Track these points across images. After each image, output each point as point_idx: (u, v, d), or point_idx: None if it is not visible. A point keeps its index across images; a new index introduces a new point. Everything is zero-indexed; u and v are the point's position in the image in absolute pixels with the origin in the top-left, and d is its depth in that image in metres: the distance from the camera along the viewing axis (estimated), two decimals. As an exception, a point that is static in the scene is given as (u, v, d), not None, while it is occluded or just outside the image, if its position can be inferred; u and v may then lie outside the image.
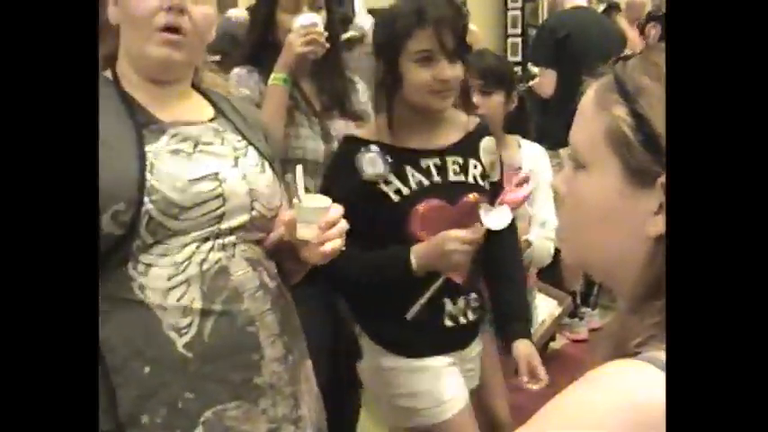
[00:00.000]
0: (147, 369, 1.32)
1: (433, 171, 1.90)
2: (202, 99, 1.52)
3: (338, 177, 1.92)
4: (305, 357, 1.53)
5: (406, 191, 1.87)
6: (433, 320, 1.92)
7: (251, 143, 1.49)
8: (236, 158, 1.44)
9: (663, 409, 0.65)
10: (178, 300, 1.32)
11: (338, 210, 1.42)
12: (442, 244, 1.76)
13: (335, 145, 2.24)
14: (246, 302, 1.37)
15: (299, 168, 1.45)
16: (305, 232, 1.37)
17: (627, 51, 4.26)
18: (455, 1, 1.99)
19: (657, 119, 0.74)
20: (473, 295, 1.99)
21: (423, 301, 1.84)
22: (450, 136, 1.97)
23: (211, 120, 1.48)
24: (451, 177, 1.91)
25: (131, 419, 1.31)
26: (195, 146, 1.40)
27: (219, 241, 1.37)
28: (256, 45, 2.33)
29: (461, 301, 1.95)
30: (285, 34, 2.22)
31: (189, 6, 1.36)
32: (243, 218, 1.40)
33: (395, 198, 1.87)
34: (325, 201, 1.43)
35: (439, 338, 1.95)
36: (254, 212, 1.42)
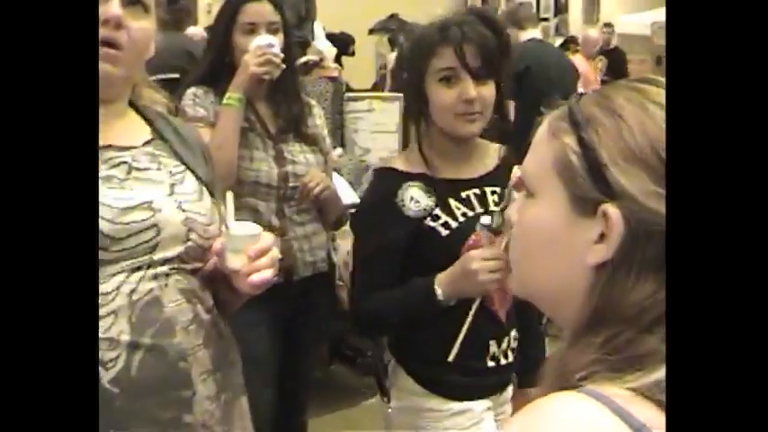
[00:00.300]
0: None
1: (474, 201, 1.80)
2: (139, 118, 1.45)
3: (379, 215, 1.80)
4: (239, 394, 1.46)
5: (454, 224, 1.76)
6: (477, 360, 1.81)
7: (188, 167, 1.42)
8: (173, 185, 1.37)
9: None
10: (104, 331, 1.23)
11: (269, 238, 1.35)
12: (466, 263, 1.65)
13: (289, 168, 2.25)
14: (179, 336, 1.29)
15: (230, 195, 1.39)
16: (233, 261, 1.31)
17: (580, 85, 4.34)
18: (492, 19, 1.86)
19: (604, 149, 0.74)
20: (513, 334, 1.87)
21: (462, 334, 1.73)
22: (483, 165, 1.86)
23: (148, 142, 1.41)
24: (492, 207, 1.80)
25: None
26: (129, 172, 1.33)
27: (152, 271, 1.29)
28: (213, 65, 2.31)
29: (504, 341, 1.84)
30: (242, 56, 2.21)
31: (127, 21, 1.30)
32: (177, 248, 1.32)
33: (444, 232, 1.76)
34: (254, 228, 1.35)
35: (482, 379, 1.84)
36: (189, 243, 1.34)
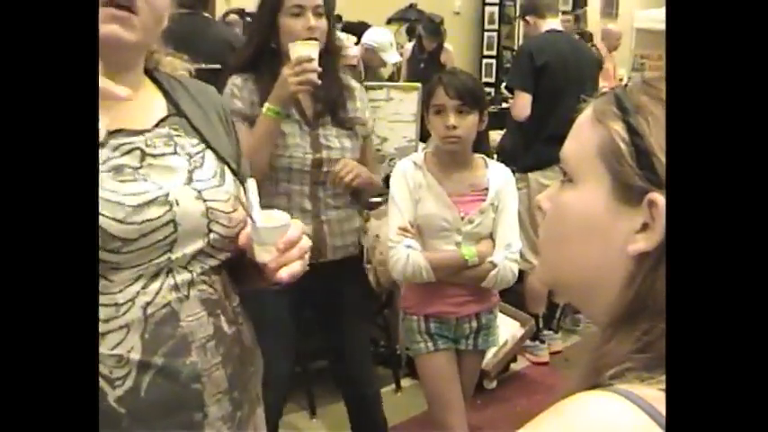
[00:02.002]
0: None
1: None
2: (155, 90, 1.33)
3: None
4: (256, 406, 1.38)
5: None
6: None
7: (209, 145, 1.31)
8: (191, 172, 1.25)
9: None
10: (113, 347, 1.14)
11: (297, 227, 1.25)
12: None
13: (324, 153, 2.29)
14: (194, 355, 1.20)
15: (252, 182, 1.30)
16: (261, 255, 1.23)
17: (601, 78, 4.29)
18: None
19: (653, 137, 0.73)
20: None
21: None
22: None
23: (163, 120, 1.29)
24: None
25: None
26: (142, 159, 1.21)
27: (171, 281, 1.19)
28: (257, 49, 2.33)
29: None
30: (286, 38, 2.23)
31: None
32: (198, 244, 1.22)
33: None
34: (281, 219, 1.25)
35: None
36: (212, 235, 1.24)
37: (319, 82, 2.20)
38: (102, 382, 1.14)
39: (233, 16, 4.20)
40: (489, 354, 3.25)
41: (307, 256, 1.27)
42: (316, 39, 2.21)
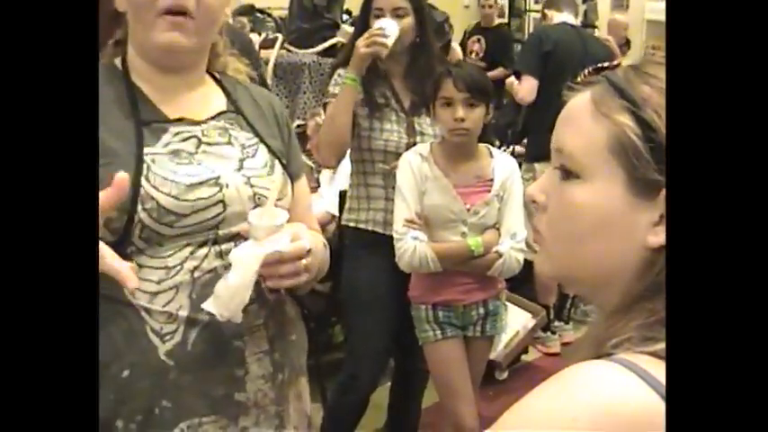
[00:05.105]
0: (125, 372, 1.25)
1: None
2: (216, 89, 1.43)
3: None
4: (300, 374, 1.45)
5: None
6: None
7: (263, 140, 1.40)
8: (242, 161, 1.35)
9: (630, 409, 0.65)
10: (164, 305, 1.25)
11: (300, 244, 1.26)
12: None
13: (418, 139, 2.55)
14: None
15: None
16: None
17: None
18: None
19: (662, 128, 0.73)
20: None
21: None
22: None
23: (222, 113, 1.39)
24: None
25: (105, 423, 1.23)
26: (198, 146, 1.31)
27: (217, 248, 1.29)
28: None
29: None
30: None
31: None
32: (243, 225, 1.28)
33: None
34: (277, 218, 1.25)
35: None
36: None
37: (386, 51, 2.43)
38: (153, 337, 1.25)
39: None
40: (500, 345, 3.26)
41: (302, 275, 1.28)
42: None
